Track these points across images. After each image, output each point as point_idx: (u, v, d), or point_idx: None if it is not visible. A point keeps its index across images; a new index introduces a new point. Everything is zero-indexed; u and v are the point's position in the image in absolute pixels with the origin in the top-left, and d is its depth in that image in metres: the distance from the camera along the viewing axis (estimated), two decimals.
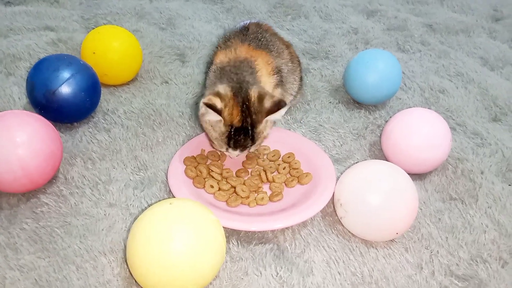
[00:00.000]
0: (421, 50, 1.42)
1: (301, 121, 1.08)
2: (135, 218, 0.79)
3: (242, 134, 0.82)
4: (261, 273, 0.73)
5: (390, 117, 0.98)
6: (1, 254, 0.72)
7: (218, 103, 0.80)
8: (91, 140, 0.94)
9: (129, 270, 0.68)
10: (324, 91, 1.19)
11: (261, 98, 0.83)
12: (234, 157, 0.89)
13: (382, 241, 0.81)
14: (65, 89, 0.90)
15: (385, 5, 1.66)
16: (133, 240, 0.65)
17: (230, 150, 0.85)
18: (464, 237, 0.83)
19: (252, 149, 0.87)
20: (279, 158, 0.94)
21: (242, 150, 0.85)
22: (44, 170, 0.78)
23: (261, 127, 0.84)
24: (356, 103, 1.15)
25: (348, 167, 0.84)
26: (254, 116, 0.82)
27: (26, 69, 1.11)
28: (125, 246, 0.74)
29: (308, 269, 0.75)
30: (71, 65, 0.91)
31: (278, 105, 0.82)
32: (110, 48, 1.05)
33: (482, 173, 0.97)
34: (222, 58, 0.88)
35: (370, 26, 1.52)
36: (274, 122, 0.89)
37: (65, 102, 0.90)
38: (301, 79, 1.08)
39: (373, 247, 0.79)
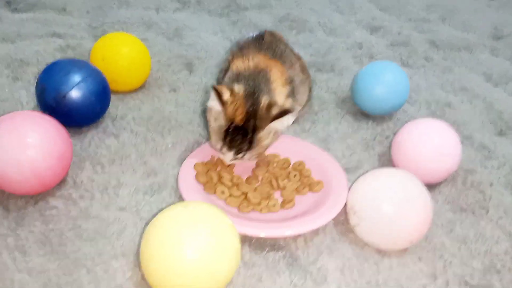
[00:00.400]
0: (425, 66, 1.43)
1: (309, 131, 1.08)
2: (146, 223, 0.77)
3: (240, 134, 0.82)
4: (275, 281, 0.72)
5: (398, 128, 0.99)
6: (9, 256, 0.70)
7: (226, 95, 0.81)
8: (100, 145, 0.93)
9: (142, 275, 0.66)
10: (331, 102, 1.20)
11: (270, 106, 0.83)
12: (227, 163, 0.87)
13: (395, 250, 0.80)
14: (76, 93, 0.89)
15: (388, 22, 1.68)
16: (147, 244, 0.64)
17: (224, 149, 0.84)
18: (476, 247, 0.82)
19: (247, 156, 0.85)
20: (289, 166, 0.93)
21: (236, 153, 0.84)
22: (54, 172, 0.77)
23: (262, 133, 0.83)
24: (363, 114, 1.15)
25: (361, 175, 0.83)
26: (258, 121, 0.81)
27: (34, 74, 1.11)
28: (136, 250, 0.72)
29: (322, 277, 0.74)
30: (82, 69, 0.90)
31: (284, 112, 0.82)
32: (120, 54, 1.05)
33: (491, 185, 0.97)
34: (239, 65, 0.88)
35: (374, 41, 1.54)
36: (279, 135, 0.88)
37: (75, 106, 0.90)
38: (310, 90, 1.08)
39: (386, 256, 0.78)
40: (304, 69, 1.05)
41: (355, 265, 0.76)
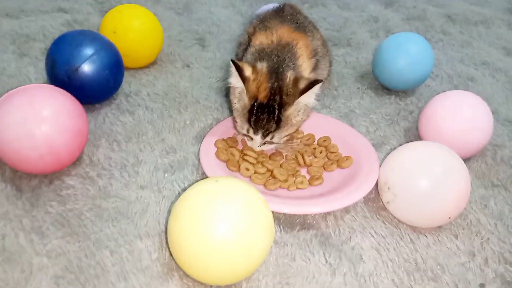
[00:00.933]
0: (443, 40, 1.39)
1: (331, 107, 1.03)
2: (170, 201, 0.73)
3: (266, 113, 0.76)
4: (309, 260, 0.68)
5: (426, 101, 0.94)
6: (26, 238, 0.66)
7: (248, 71, 0.75)
8: (115, 122, 0.88)
9: (170, 255, 0.62)
10: (350, 77, 1.15)
11: (296, 80, 0.77)
12: (256, 148, 0.81)
13: (430, 227, 0.76)
14: (89, 66, 0.84)
15: None
16: (176, 222, 0.59)
17: (251, 132, 0.79)
18: None
19: (276, 138, 0.80)
20: (313, 142, 0.89)
21: (264, 136, 0.79)
22: (71, 148, 0.72)
23: (291, 110, 0.77)
24: (385, 89, 1.11)
25: (391, 150, 0.79)
26: (285, 97, 0.76)
27: (41, 50, 1.05)
28: (162, 230, 0.68)
29: (357, 256, 0.70)
30: (94, 41, 0.85)
31: (312, 83, 0.76)
32: (132, 27, 0.99)
33: None
34: (262, 40, 0.83)
35: (389, 15, 1.49)
36: (309, 112, 0.83)
37: (88, 80, 0.85)
38: (330, 64, 1.03)
39: (422, 234, 0.75)
40: (324, 43, 1.00)
41: (391, 243, 0.73)
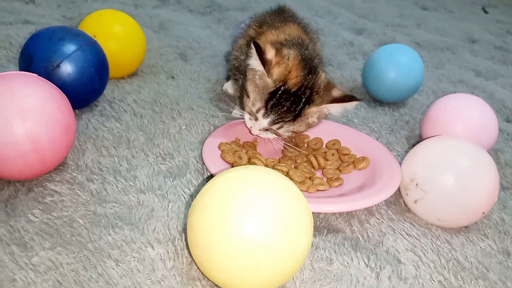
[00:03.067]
0: None
1: (328, 117, 0.98)
2: (178, 206, 0.62)
3: (289, 102, 0.69)
4: (348, 264, 0.59)
5: (419, 112, 0.92)
6: (4, 251, 0.52)
7: (270, 53, 0.69)
8: (100, 128, 0.77)
9: (191, 261, 0.51)
10: None
11: (330, 85, 0.72)
12: (254, 132, 0.73)
13: (458, 227, 0.70)
14: (71, 63, 0.74)
15: (369, 26, 1.66)
16: (198, 219, 0.49)
17: (260, 113, 0.71)
18: None
19: (284, 130, 0.72)
20: (322, 146, 0.82)
21: (273, 122, 0.71)
22: (58, 146, 0.60)
23: (313, 109, 0.71)
24: (376, 101, 1.08)
25: (415, 144, 0.74)
26: (315, 95, 0.70)
27: (6, 57, 0.93)
28: (174, 236, 0.57)
29: (395, 259, 0.62)
30: (78, 36, 0.76)
31: (350, 98, 0.71)
32: (113, 33, 0.90)
33: None
34: (273, 38, 0.77)
35: (362, 41, 1.50)
36: (321, 120, 0.77)
37: (71, 79, 0.74)
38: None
39: (453, 234, 0.69)
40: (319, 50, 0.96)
41: (427, 244, 0.66)
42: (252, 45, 0.67)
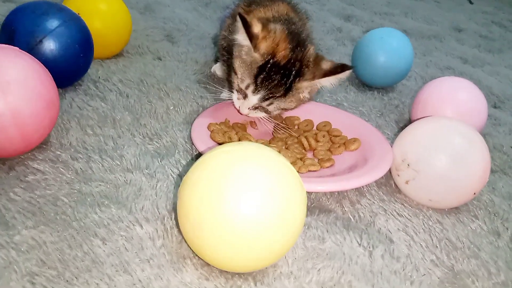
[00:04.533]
0: None
1: (317, 100, 0.97)
2: (167, 185, 0.61)
3: (279, 75, 0.67)
4: (341, 242, 0.58)
5: (407, 97, 0.91)
6: None
7: (256, 28, 0.67)
8: (84, 107, 0.75)
9: (182, 240, 0.50)
10: None
11: (318, 59, 0.70)
12: (243, 112, 0.71)
13: (448, 208, 0.70)
14: (55, 38, 0.71)
15: (358, 13, 1.66)
16: (188, 195, 0.47)
17: (250, 90, 0.69)
18: None
19: (274, 106, 0.70)
20: (313, 127, 0.81)
21: (264, 99, 0.69)
22: (41, 122, 0.58)
23: (305, 84, 0.70)
24: (365, 85, 1.07)
25: (407, 125, 0.74)
26: (304, 68, 0.69)
27: None
28: (163, 215, 0.55)
29: (387, 239, 0.61)
30: (62, 11, 0.73)
31: (342, 68, 0.69)
32: (98, 10, 0.87)
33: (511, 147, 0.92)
34: (261, 15, 0.75)
35: (351, 27, 1.49)
36: (313, 96, 0.76)
37: (54, 55, 0.71)
38: None
39: (444, 214, 0.68)
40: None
41: (419, 224, 0.65)
42: (238, 18, 0.65)
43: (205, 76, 0.94)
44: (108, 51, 0.92)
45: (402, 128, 0.91)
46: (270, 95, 0.69)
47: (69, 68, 0.74)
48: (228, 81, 0.83)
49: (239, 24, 0.66)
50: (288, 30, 0.69)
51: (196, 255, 0.50)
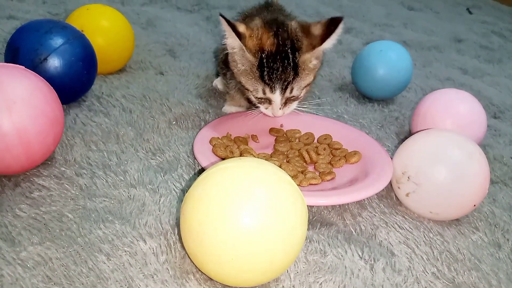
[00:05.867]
0: None
1: (318, 113, 0.98)
2: (170, 200, 0.61)
3: (279, 61, 0.68)
4: (342, 256, 0.58)
5: (408, 109, 0.92)
6: None
7: (241, 27, 0.69)
8: (88, 123, 0.76)
9: (185, 255, 0.50)
10: (329, 88, 1.12)
11: (306, 27, 0.71)
12: (277, 113, 0.72)
13: (449, 220, 0.71)
14: (59, 57, 0.72)
15: (357, 25, 1.67)
16: (191, 211, 0.48)
17: (267, 90, 0.70)
18: None
19: (296, 89, 0.71)
20: (313, 140, 0.82)
21: (283, 90, 0.70)
22: (46, 140, 0.59)
23: (308, 56, 0.70)
24: (365, 98, 1.08)
25: (408, 137, 0.74)
26: (297, 42, 0.70)
27: None
28: (167, 230, 0.56)
29: (388, 251, 0.62)
30: (65, 29, 0.74)
31: (333, 23, 0.70)
32: (101, 28, 0.89)
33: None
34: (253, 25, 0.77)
35: (350, 39, 1.51)
36: (321, 59, 0.76)
37: (58, 73, 0.72)
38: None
39: (445, 226, 0.69)
40: None
41: (419, 236, 0.66)
42: (220, 19, 0.66)
43: (207, 90, 0.95)
44: (111, 67, 0.93)
45: (403, 140, 0.92)
46: (286, 83, 0.70)
47: (73, 85, 0.76)
48: (227, 95, 0.85)
49: (224, 24, 0.67)
50: (264, 20, 0.71)
51: (199, 270, 0.51)
